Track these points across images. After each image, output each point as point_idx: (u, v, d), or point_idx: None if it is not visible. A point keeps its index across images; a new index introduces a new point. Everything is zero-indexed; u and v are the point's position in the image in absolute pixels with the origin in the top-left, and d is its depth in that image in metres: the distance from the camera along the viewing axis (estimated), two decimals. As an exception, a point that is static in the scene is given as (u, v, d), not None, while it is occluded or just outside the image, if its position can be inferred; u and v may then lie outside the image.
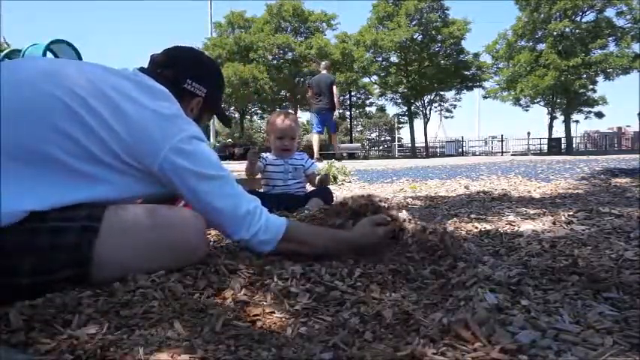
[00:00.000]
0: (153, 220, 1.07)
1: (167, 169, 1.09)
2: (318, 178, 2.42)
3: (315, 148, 7.54)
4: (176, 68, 1.32)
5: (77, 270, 0.96)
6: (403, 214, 1.41)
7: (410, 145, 28.26)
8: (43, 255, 0.93)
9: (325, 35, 26.41)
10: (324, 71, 7.93)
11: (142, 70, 1.28)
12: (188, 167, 1.10)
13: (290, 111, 2.65)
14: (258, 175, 2.42)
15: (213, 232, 1.52)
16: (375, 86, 27.94)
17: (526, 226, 1.69)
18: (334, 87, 7.51)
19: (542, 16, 22.20)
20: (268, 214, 1.21)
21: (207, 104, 1.40)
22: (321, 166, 4.98)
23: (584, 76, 22.57)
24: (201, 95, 1.36)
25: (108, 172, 1.05)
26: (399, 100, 28.00)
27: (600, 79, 23.27)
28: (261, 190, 2.36)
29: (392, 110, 48.27)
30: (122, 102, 1.07)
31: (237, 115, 31.61)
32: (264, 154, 2.39)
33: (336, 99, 7.43)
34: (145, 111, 1.09)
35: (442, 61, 24.66)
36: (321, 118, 7.64)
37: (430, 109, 27.93)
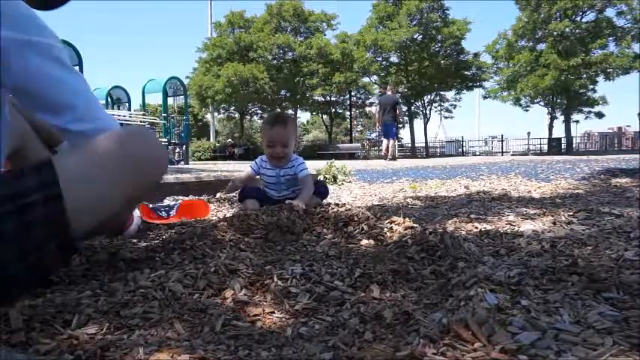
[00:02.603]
0: (107, 149, 1.01)
1: None
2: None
3: (391, 150, 9.90)
4: None
5: (59, 238, 0.93)
6: None
7: (410, 145, 28.26)
8: (18, 239, 0.88)
9: (325, 35, 26.45)
10: (390, 92, 10.64)
11: None
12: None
13: (284, 114, 2.37)
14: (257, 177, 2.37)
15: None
16: (375, 86, 27.93)
17: (526, 226, 1.69)
18: (397, 105, 10.24)
19: (542, 16, 22.18)
20: None
21: None
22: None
23: (584, 76, 22.57)
24: None
25: None
26: (399, 100, 27.97)
27: (600, 79, 23.27)
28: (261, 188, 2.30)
29: (392, 110, 48.14)
30: None
31: (237, 115, 31.62)
32: (259, 161, 2.27)
33: (399, 115, 10.15)
34: None
35: (442, 61, 24.65)
36: (386, 129, 10.00)
37: (430, 109, 27.94)
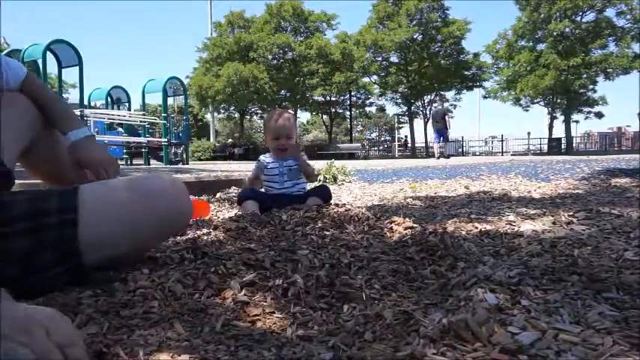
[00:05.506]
0: (133, 193, 1.04)
1: None
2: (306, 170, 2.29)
3: (446, 150, 12.97)
4: None
5: (69, 263, 0.95)
6: None
7: (410, 145, 28.26)
8: (27, 259, 0.90)
9: (325, 35, 26.46)
10: (439, 107, 14.32)
11: None
12: None
13: (285, 109, 2.45)
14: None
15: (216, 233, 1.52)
16: (375, 86, 27.96)
17: (526, 226, 1.69)
18: (446, 116, 13.25)
19: (542, 16, 22.21)
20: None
21: None
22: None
23: (584, 76, 22.58)
24: None
25: None
26: (399, 100, 28.01)
27: (600, 79, 23.29)
28: (262, 190, 2.34)
29: (392, 110, 48.27)
30: None
31: (237, 115, 31.64)
32: (262, 157, 2.36)
33: (448, 123, 13.02)
34: None
35: (442, 61, 24.67)
36: (438, 134, 12.88)
37: (430, 109, 27.93)
